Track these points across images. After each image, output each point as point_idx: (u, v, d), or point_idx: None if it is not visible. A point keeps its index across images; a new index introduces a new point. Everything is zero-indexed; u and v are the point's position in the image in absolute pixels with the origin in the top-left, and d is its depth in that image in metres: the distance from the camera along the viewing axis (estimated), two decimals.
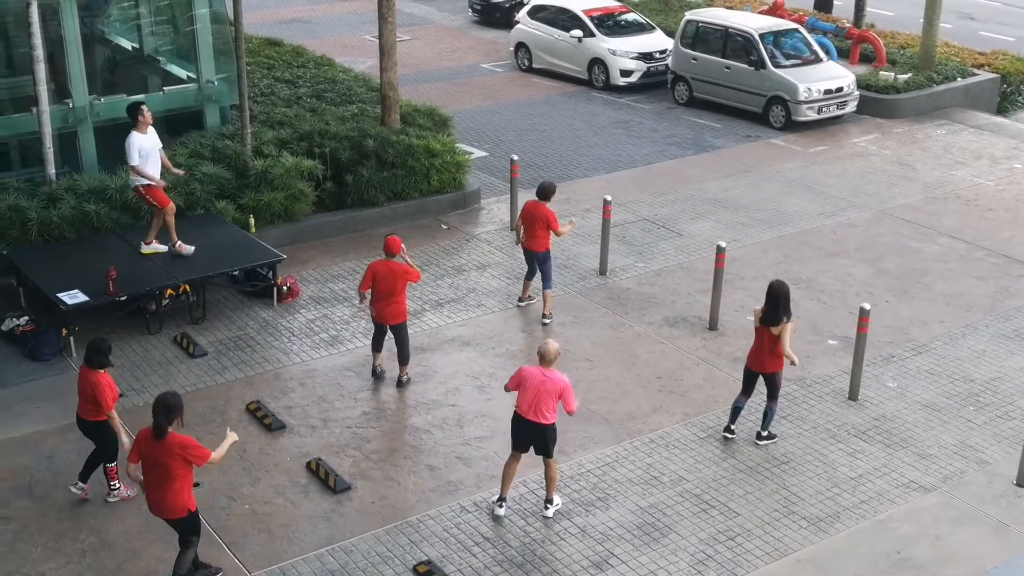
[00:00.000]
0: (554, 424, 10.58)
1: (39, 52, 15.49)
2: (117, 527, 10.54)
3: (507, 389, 10.73)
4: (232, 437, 9.68)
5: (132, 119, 14.37)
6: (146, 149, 14.31)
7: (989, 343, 14.50)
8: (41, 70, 15.57)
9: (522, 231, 14.63)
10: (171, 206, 14.70)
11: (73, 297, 13.61)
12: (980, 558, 10.52)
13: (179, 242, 14.86)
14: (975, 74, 25.29)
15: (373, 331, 13.24)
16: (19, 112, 16.76)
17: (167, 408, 9.10)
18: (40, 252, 14.90)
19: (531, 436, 10.63)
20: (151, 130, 14.48)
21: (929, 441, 12.34)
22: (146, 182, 14.40)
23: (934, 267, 16.69)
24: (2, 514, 10.80)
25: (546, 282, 14.70)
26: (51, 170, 15.98)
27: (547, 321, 14.71)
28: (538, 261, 14.70)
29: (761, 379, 12.01)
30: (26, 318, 14.09)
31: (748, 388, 12.13)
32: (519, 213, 14.87)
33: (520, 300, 15.18)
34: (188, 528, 9.50)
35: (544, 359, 10.43)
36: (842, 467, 11.82)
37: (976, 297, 15.76)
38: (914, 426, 12.61)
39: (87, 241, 15.25)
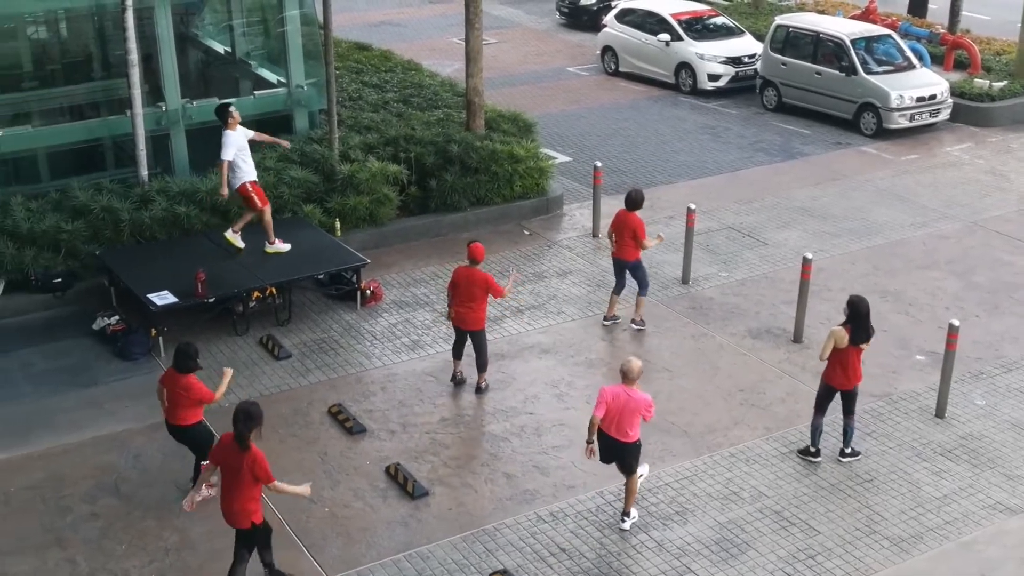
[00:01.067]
0: (637, 441, 10.54)
1: (134, 55, 15.83)
2: (200, 526, 10.73)
3: (594, 418, 10.44)
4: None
5: (222, 121, 14.64)
6: (242, 146, 14.59)
7: None
8: (135, 73, 15.91)
9: (613, 239, 14.53)
10: (268, 206, 14.98)
11: (163, 298, 13.88)
12: None
13: (238, 235, 15.11)
14: None
15: (454, 337, 13.31)
16: (113, 114, 17.15)
17: (248, 417, 9.20)
18: (131, 253, 15.23)
19: (613, 453, 10.62)
20: (240, 128, 14.73)
21: (1018, 462, 12.03)
22: (251, 179, 14.70)
23: None
24: (89, 511, 11.07)
25: (642, 288, 14.59)
26: (144, 172, 16.33)
27: (639, 328, 14.61)
28: (629, 270, 14.58)
29: (838, 396, 11.82)
30: (116, 318, 14.41)
31: (824, 407, 11.91)
32: (610, 228, 14.63)
33: (606, 318, 14.88)
34: (248, 541, 9.57)
35: (627, 377, 10.37)
36: (927, 486, 11.59)
37: None
38: (1002, 446, 12.30)
39: (177, 243, 15.55)
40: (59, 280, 14.98)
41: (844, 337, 11.43)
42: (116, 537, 10.70)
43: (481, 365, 13.19)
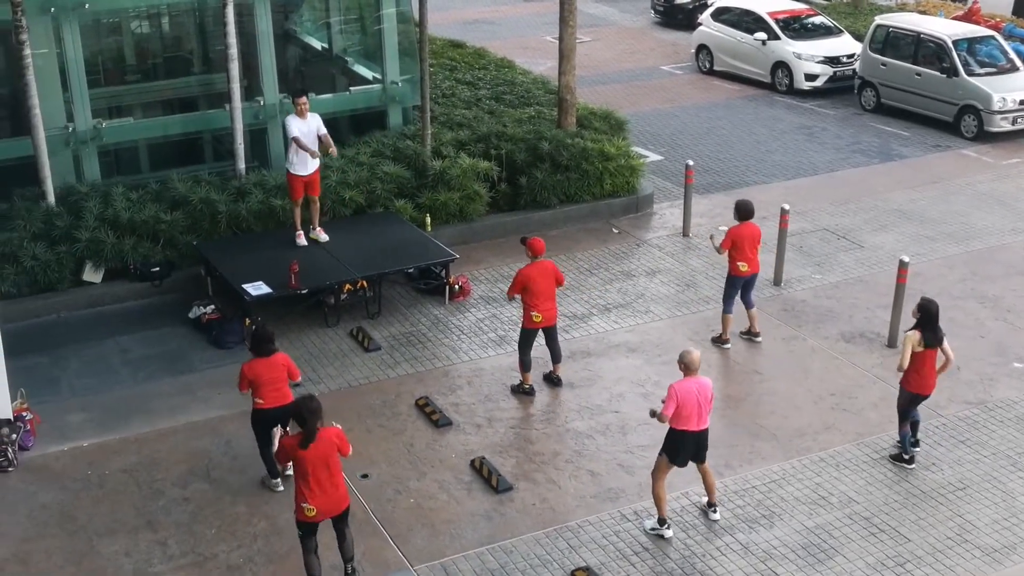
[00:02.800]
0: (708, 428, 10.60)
1: (233, 50, 16.11)
2: (288, 514, 10.77)
3: (663, 418, 10.36)
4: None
5: (293, 102, 14.96)
6: (301, 131, 14.70)
7: None
8: (235, 68, 16.20)
9: (731, 253, 13.90)
10: (300, 200, 15.10)
11: (257, 288, 14.11)
12: None
13: (318, 230, 15.36)
14: None
15: (528, 339, 12.95)
16: (212, 108, 17.50)
17: (316, 411, 9.26)
18: (228, 244, 15.52)
19: (697, 446, 10.54)
20: (311, 116, 14.86)
21: None
22: (295, 171, 14.85)
23: None
24: (181, 495, 11.29)
25: (752, 301, 14.40)
26: (241, 165, 16.62)
27: (759, 339, 14.38)
28: (752, 284, 14.24)
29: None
30: (212, 307, 14.67)
31: (910, 414, 11.76)
32: (727, 241, 13.84)
33: (752, 333, 14.38)
34: (347, 515, 9.72)
35: (691, 368, 10.30)
36: (1022, 496, 11.28)
37: None
38: None
39: (272, 235, 15.77)
40: (157, 269, 15.32)
41: (918, 340, 11.31)
42: (206, 521, 10.89)
43: (558, 356, 13.21)
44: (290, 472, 10.63)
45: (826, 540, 10.66)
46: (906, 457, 11.81)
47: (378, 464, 11.71)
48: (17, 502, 11.15)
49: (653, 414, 10.54)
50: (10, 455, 11.68)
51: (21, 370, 12.67)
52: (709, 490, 10.89)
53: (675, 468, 10.67)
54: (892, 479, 11.61)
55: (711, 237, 14.58)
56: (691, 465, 10.73)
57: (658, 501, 10.69)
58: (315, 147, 14.86)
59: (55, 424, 12.38)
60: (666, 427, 10.47)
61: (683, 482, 11.22)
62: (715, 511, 10.89)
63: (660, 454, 10.62)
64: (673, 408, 10.29)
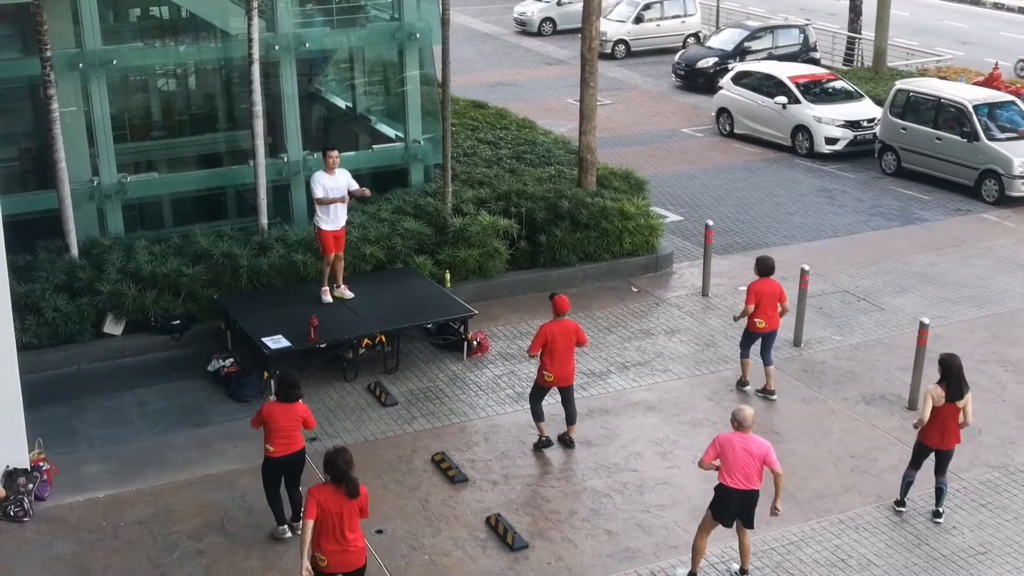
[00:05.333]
0: (758, 490, 10.39)
1: (258, 108, 16.27)
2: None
3: (705, 464, 10.36)
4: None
5: (323, 159, 15.10)
6: (329, 187, 14.84)
7: None
8: (259, 124, 16.34)
9: (751, 311, 13.95)
10: (331, 256, 15.14)
11: (277, 342, 14.14)
12: None
13: (343, 287, 15.38)
14: None
15: (539, 394, 12.97)
16: (236, 164, 17.64)
17: (349, 462, 9.13)
18: (248, 298, 15.57)
19: (742, 505, 10.39)
20: (339, 172, 15.01)
21: None
22: (326, 227, 14.93)
23: None
24: (195, 548, 11.23)
25: (771, 359, 14.40)
26: (263, 220, 16.72)
27: (774, 397, 14.34)
28: (770, 341, 14.24)
29: (932, 454, 11.69)
30: (231, 360, 14.70)
31: (920, 463, 11.79)
32: (750, 298, 13.94)
33: (767, 391, 14.36)
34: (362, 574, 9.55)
35: (743, 426, 10.22)
36: None
37: None
38: None
39: (293, 289, 15.82)
40: (178, 322, 15.38)
41: (941, 396, 11.35)
42: (220, 575, 10.83)
43: (573, 417, 13.14)
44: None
45: None
46: (898, 499, 11.93)
47: (393, 519, 11.63)
48: (32, 552, 11.11)
49: (700, 461, 10.56)
50: (26, 505, 11.66)
51: (40, 420, 12.69)
52: (743, 554, 10.73)
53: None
54: (912, 542, 11.46)
55: (734, 318, 14.61)
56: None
57: (695, 554, 10.62)
58: (342, 206, 15.00)
59: (72, 475, 12.37)
60: (684, 484, 10.39)
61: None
62: None
63: (709, 507, 10.53)
64: (712, 456, 10.23)
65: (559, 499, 12.20)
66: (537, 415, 13.02)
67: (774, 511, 10.47)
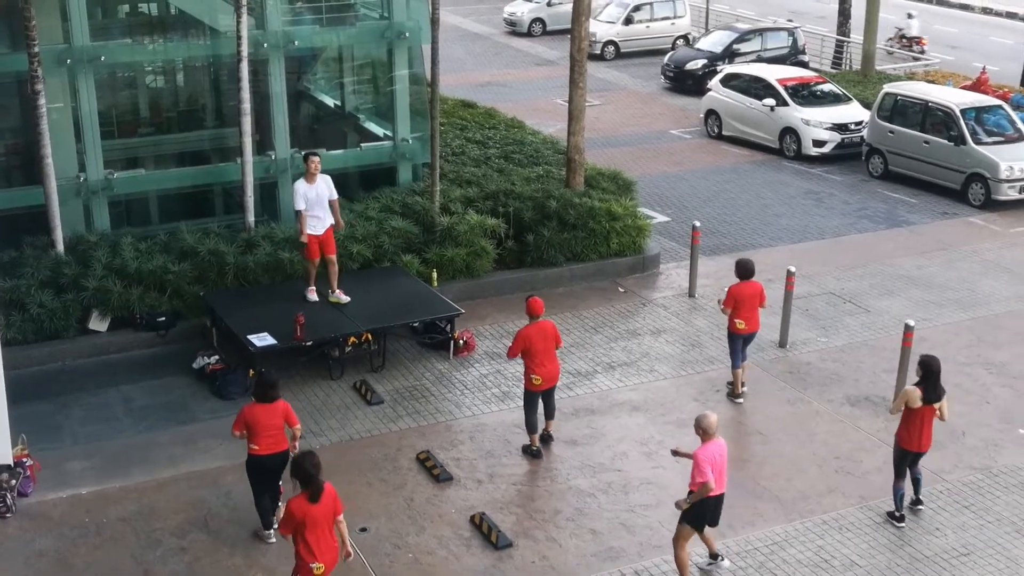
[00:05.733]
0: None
1: (246, 105, 16.23)
2: (286, 567, 10.69)
3: (694, 488, 10.19)
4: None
5: (305, 163, 15.04)
6: (311, 198, 14.78)
7: None
8: (247, 122, 16.31)
9: (730, 312, 14.00)
10: (316, 260, 15.07)
11: (262, 340, 14.11)
12: None
13: (338, 292, 15.32)
14: None
15: (531, 401, 12.86)
16: (224, 161, 17.60)
17: (319, 466, 9.19)
18: (234, 295, 15.53)
19: (716, 508, 10.48)
20: (320, 179, 14.90)
21: None
22: (312, 231, 14.84)
23: None
24: (179, 545, 11.19)
25: (745, 356, 14.39)
26: (250, 218, 16.68)
27: (740, 398, 14.34)
28: (748, 342, 14.28)
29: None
30: (216, 357, 14.67)
31: (904, 471, 11.74)
32: (728, 301, 13.97)
33: (737, 396, 14.33)
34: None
35: (710, 432, 10.22)
36: None
37: None
38: None
39: (279, 287, 15.79)
40: (163, 319, 15.35)
41: (917, 397, 11.35)
42: (203, 572, 10.79)
43: (552, 413, 13.11)
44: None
45: None
46: (897, 515, 11.78)
47: (377, 518, 11.62)
48: (15, 549, 11.07)
49: (675, 453, 10.62)
50: (8, 501, 11.62)
51: (24, 417, 12.63)
52: (709, 543, 10.77)
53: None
54: (895, 543, 11.49)
55: (718, 301, 14.57)
56: None
57: (682, 568, 10.57)
58: (324, 211, 14.94)
59: (55, 471, 12.33)
60: (668, 484, 10.39)
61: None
62: (723, 558, 10.81)
63: (681, 523, 10.46)
64: (709, 475, 10.10)
65: (544, 498, 12.19)
66: (531, 427, 12.95)
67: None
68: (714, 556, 10.83)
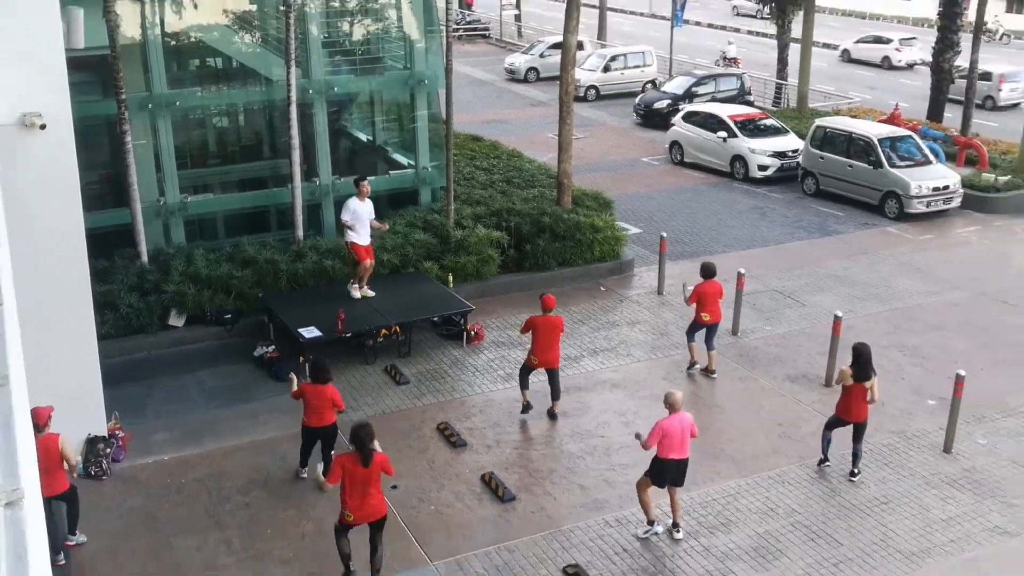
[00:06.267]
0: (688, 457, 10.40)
1: (295, 140, 16.25)
2: (332, 517, 10.70)
3: (647, 446, 10.21)
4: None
5: (356, 187, 15.00)
6: (359, 213, 14.77)
7: None
8: (296, 155, 16.33)
9: (697, 306, 13.91)
10: (367, 262, 15.08)
11: (310, 332, 14.11)
12: None
13: (366, 287, 15.29)
14: None
15: (525, 370, 12.99)
16: (278, 186, 17.60)
17: (370, 435, 9.16)
18: (287, 296, 15.53)
19: (678, 471, 10.38)
20: (368, 201, 14.94)
21: (1015, 492, 11.52)
22: (353, 239, 14.88)
23: None
24: (243, 501, 11.23)
25: (713, 345, 14.31)
26: (299, 232, 16.69)
27: (714, 376, 14.26)
28: (711, 329, 14.14)
29: (852, 427, 11.68)
30: (272, 347, 14.67)
31: (833, 427, 11.81)
32: (694, 297, 13.93)
33: (708, 371, 14.22)
34: (381, 526, 9.52)
35: (675, 407, 10.21)
36: (935, 510, 11.16)
37: None
38: (1001, 479, 11.80)
39: (324, 289, 15.79)
40: (229, 316, 15.34)
41: (848, 376, 11.33)
42: (263, 523, 10.82)
43: (556, 395, 13.07)
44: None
45: (773, 544, 10.53)
46: (823, 457, 11.90)
47: (405, 478, 11.62)
48: (109, 506, 11.09)
49: (638, 437, 10.46)
50: (105, 466, 11.65)
51: (116, 397, 12.66)
52: (673, 509, 10.66)
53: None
54: (828, 494, 11.49)
55: (684, 285, 14.55)
56: None
57: (645, 507, 10.58)
58: (367, 226, 14.91)
59: (142, 441, 12.35)
60: (649, 452, 10.37)
61: (656, 495, 11.05)
62: (679, 530, 10.63)
63: (644, 475, 10.48)
64: (656, 440, 10.14)
65: (541, 460, 12.20)
66: (523, 385, 13.01)
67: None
68: (675, 526, 10.68)
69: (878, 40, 45.46)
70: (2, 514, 2.34)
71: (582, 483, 11.66)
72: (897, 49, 44.02)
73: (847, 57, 45.63)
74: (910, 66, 42.74)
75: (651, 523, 10.64)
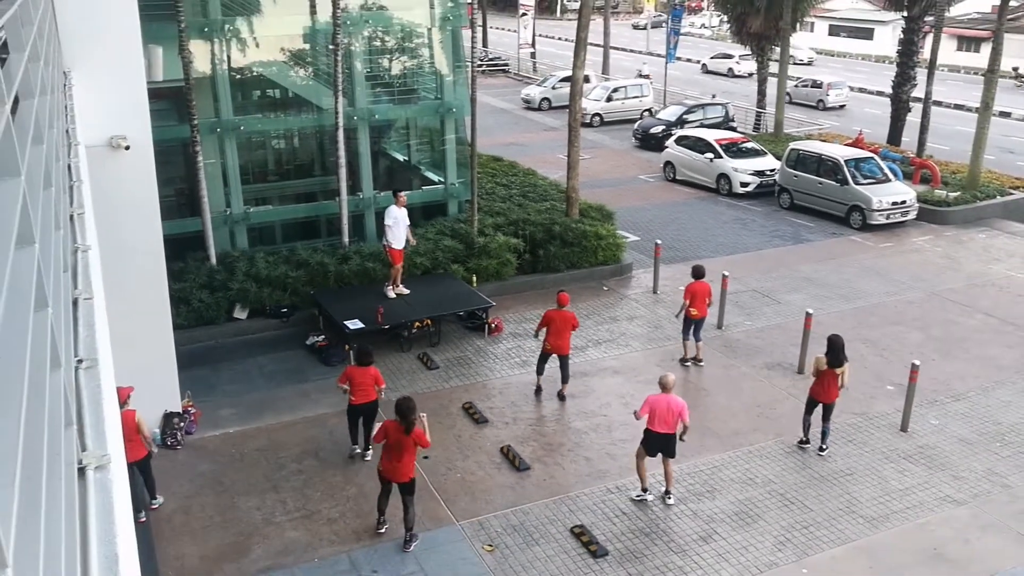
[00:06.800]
0: (675, 434, 10.31)
1: (342, 160, 16.28)
2: (373, 482, 10.69)
3: (638, 417, 10.23)
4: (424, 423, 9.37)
5: (395, 197, 15.02)
6: (397, 219, 14.75)
7: (1014, 396, 13.35)
8: (343, 172, 16.35)
9: (687, 304, 13.80)
10: (400, 264, 15.05)
11: (354, 324, 14.13)
12: (1000, 560, 9.64)
13: (400, 286, 15.24)
14: (1011, 193, 23.55)
15: (542, 358, 13.00)
16: (326, 199, 17.64)
17: (412, 408, 9.17)
18: (334, 293, 15.54)
19: (661, 444, 10.35)
20: (404, 210, 14.92)
21: (963, 467, 11.42)
22: (393, 245, 14.86)
23: (972, 336, 15.52)
24: (297, 468, 11.26)
25: (700, 337, 14.22)
26: (345, 239, 16.71)
27: (702, 364, 14.12)
28: (698, 324, 14.05)
29: (821, 406, 11.55)
30: (322, 336, 14.70)
31: (811, 410, 11.67)
32: (687, 294, 13.82)
33: (697, 360, 14.06)
34: (409, 489, 9.54)
35: (666, 388, 10.18)
36: (893, 481, 11.07)
37: (1005, 360, 14.56)
38: (951, 454, 11.70)
39: (366, 287, 15.78)
40: (285, 310, 15.39)
41: (823, 362, 11.25)
42: (314, 486, 10.85)
43: (565, 379, 13.03)
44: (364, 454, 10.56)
45: (752, 509, 10.48)
46: (804, 439, 11.76)
47: (435, 449, 11.61)
48: (183, 471, 11.15)
49: (634, 413, 10.43)
50: (179, 437, 11.72)
51: (188, 378, 12.74)
52: (667, 479, 10.62)
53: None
54: (800, 466, 11.41)
55: (676, 316, 14.47)
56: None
57: (641, 476, 10.56)
58: (404, 230, 14.90)
59: (211, 416, 12.41)
60: (643, 423, 10.35)
61: (652, 465, 11.02)
62: (670, 497, 10.59)
63: (640, 444, 10.47)
64: (645, 412, 10.15)
65: (552, 435, 12.18)
66: (539, 371, 13.03)
67: (681, 439, 10.44)
68: (667, 493, 10.64)
69: (725, 56, 50.35)
70: (93, 476, 2.35)
71: (587, 455, 11.64)
72: (737, 63, 49.23)
73: (704, 69, 50.62)
74: (749, 75, 45.14)
75: (644, 490, 10.60)
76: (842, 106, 39.83)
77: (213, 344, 14.84)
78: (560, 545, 9.77)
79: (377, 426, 10.04)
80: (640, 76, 42.39)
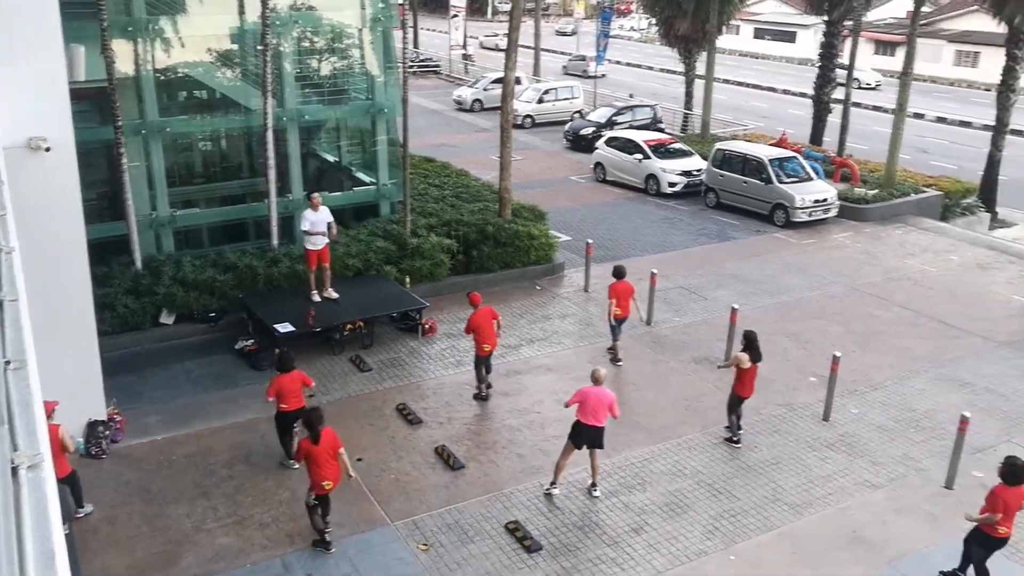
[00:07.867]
0: (604, 426, 10.53)
1: (271, 161, 16.09)
2: (303, 486, 10.68)
3: (567, 405, 10.48)
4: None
5: (308, 200, 14.92)
6: (314, 223, 14.62)
7: (927, 384, 13.99)
8: (272, 174, 16.17)
9: (614, 304, 13.93)
10: (315, 268, 14.91)
11: (284, 327, 14.01)
12: (915, 540, 10.13)
13: (330, 290, 15.13)
14: (925, 191, 24.59)
15: (479, 362, 13.01)
16: (255, 201, 17.42)
17: (321, 418, 9.24)
18: (264, 296, 15.37)
19: (590, 437, 10.55)
20: (322, 209, 14.76)
21: (880, 452, 11.93)
22: (310, 247, 14.75)
23: (888, 328, 16.19)
24: (227, 473, 11.14)
25: (618, 336, 14.44)
26: (274, 241, 16.51)
27: (620, 364, 14.34)
28: (622, 323, 14.23)
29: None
30: (251, 340, 14.53)
31: (736, 408, 11.96)
32: (611, 292, 13.99)
33: (619, 360, 14.24)
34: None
35: (597, 381, 10.40)
36: (815, 468, 11.50)
37: (919, 351, 15.23)
38: (869, 441, 12.21)
39: (296, 290, 15.61)
40: (213, 314, 15.17)
41: (746, 359, 11.52)
42: (245, 492, 10.76)
43: (489, 370, 13.12)
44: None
45: (682, 500, 10.76)
46: (734, 439, 11.99)
47: (368, 450, 11.64)
48: (108, 480, 10.94)
49: (565, 403, 10.62)
50: (104, 446, 11.48)
51: (114, 385, 12.48)
52: (593, 471, 10.76)
53: (577, 451, 10.69)
54: (727, 457, 11.76)
55: (606, 319, 14.54)
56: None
57: (557, 470, 10.72)
58: (324, 231, 14.83)
59: (137, 424, 12.19)
60: (570, 421, 10.53)
61: (582, 460, 11.23)
62: (596, 489, 10.75)
63: (568, 437, 10.65)
64: (575, 401, 10.36)
65: (486, 433, 12.29)
66: (480, 378, 13.06)
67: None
68: (593, 486, 10.80)
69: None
70: (26, 476, 2.40)
71: (520, 452, 11.78)
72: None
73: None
74: (603, 76, 46.14)
75: (553, 484, 10.71)
76: (603, 76, 44.73)
77: (139, 350, 14.55)
78: (495, 541, 9.88)
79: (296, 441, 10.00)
80: (464, 58, 45.38)
